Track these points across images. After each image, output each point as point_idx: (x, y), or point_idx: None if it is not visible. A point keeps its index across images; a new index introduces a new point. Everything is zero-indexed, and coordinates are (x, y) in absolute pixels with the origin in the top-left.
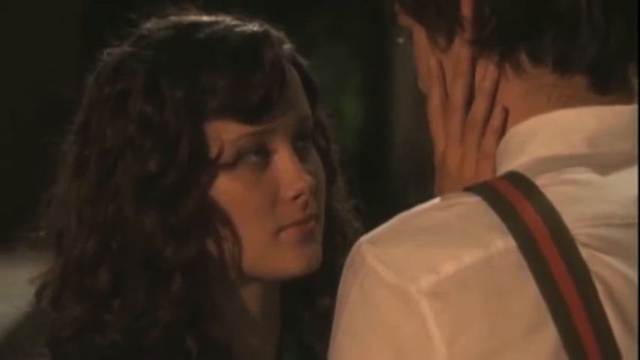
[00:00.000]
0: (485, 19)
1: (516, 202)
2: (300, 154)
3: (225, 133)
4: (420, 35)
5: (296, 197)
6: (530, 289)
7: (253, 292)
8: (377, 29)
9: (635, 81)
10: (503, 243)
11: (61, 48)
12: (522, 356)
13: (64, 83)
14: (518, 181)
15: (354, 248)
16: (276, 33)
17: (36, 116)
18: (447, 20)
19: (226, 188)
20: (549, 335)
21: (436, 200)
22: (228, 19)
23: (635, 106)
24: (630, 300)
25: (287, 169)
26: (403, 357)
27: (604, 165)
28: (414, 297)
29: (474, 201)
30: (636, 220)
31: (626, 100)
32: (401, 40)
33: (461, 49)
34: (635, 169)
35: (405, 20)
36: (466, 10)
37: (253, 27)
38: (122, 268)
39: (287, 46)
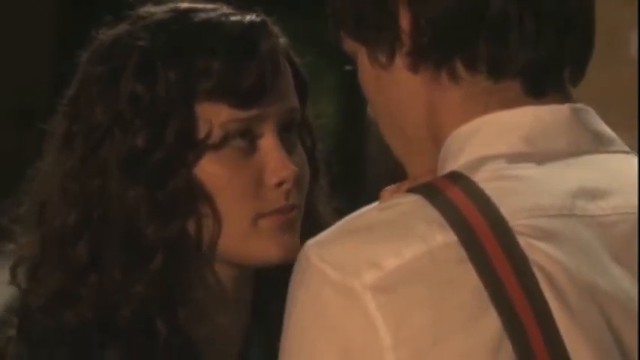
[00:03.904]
0: (422, 31)
1: (454, 197)
2: (286, 145)
3: (215, 116)
4: (363, 58)
5: (279, 184)
6: (471, 280)
7: (227, 277)
8: None
9: (570, 87)
10: (443, 237)
11: (34, 49)
12: (466, 344)
13: (38, 85)
14: (457, 178)
15: (301, 251)
16: (273, 26)
17: (9, 118)
18: (387, 35)
19: (212, 171)
20: (492, 323)
21: (378, 202)
22: (224, 8)
23: (571, 105)
24: (569, 286)
25: (273, 156)
26: (350, 352)
27: (542, 162)
28: (358, 292)
29: (413, 199)
30: (572, 212)
31: (561, 102)
32: (349, 68)
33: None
34: (571, 164)
35: (349, 45)
36: (404, 22)
37: (252, 16)
38: (102, 242)
39: (282, 40)
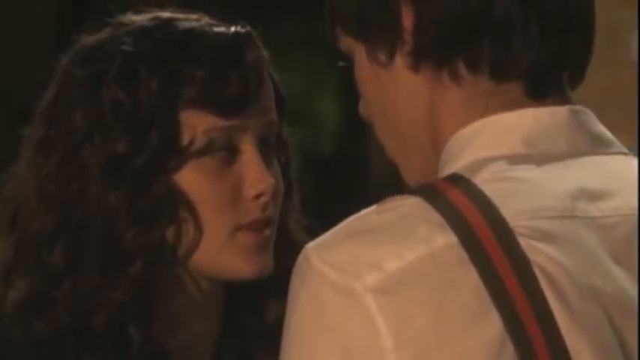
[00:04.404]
0: (424, 30)
1: (455, 199)
2: (265, 158)
3: (199, 123)
4: (361, 56)
5: (258, 196)
6: (473, 281)
7: (199, 287)
8: None
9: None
10: (444, 238)
11: (34, 50)
12: (468, 346)
13: (38, 86)
14: (457, 179)
15: (301, 254)
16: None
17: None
18: (388, 34)
19: (192, 178)
20: (493, 324)
21: (379, 204)
22: (207, 18)
23: (570, 107)
24: (570, 287)
25: (252, 168)
26: (351, 353)
27: (541, 163)
28: (359, 294)
29: (414, 201)
30: (572, 213)
31: (560, 104)
32: (342, 64)
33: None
34: (570, 166)
35: (346, 43)
36: (406, 21)
37: (237, 27)
38: (79, 247)
39: (265, 53)
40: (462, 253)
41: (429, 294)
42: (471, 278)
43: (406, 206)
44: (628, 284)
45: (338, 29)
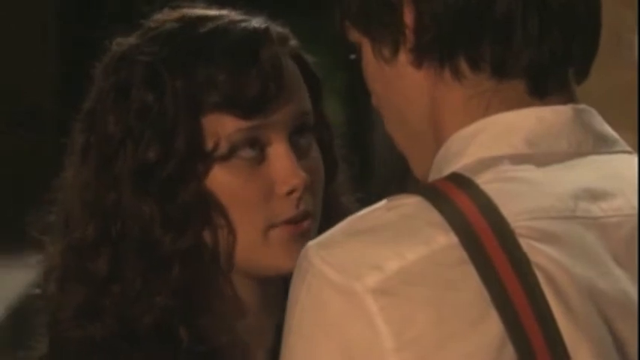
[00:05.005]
0: (426, 27)
1: (457, 199)
2: (298, 150)
3: (221, 127)
4: (367, 49)
5: (290, 193)
6: (473, 281)
7: (248, 287)
8: None
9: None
10: (445, 239)
11: (33, 50)
12: (469, 346)
13: (37, 87)
14: (459, 180)
15: (302, 253)
16: (280, 30)
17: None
18: (391, 30)
19: (221, 181)
20: (494, 325)
21: (380, 203)
22: (232, 14)
23: (573, 106)
24: (570, 287)
25: (282, 164)
26: (351, 354)
27: (544, 163)
28: (359, 294)
29: (415, 201)
30: (574, 214)
31: (563, 103)
32: (353, 57)
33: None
34: (573, 166)
35: (353, 35)
36: (408, 18)
37: (255, 23)
38: (121, 254)
39: (291, 42)
40: (462, 254)
41: (429, 294)
42: (471, 279)
43: (407, 206)
44: (629, 285)
45: (347, 21)
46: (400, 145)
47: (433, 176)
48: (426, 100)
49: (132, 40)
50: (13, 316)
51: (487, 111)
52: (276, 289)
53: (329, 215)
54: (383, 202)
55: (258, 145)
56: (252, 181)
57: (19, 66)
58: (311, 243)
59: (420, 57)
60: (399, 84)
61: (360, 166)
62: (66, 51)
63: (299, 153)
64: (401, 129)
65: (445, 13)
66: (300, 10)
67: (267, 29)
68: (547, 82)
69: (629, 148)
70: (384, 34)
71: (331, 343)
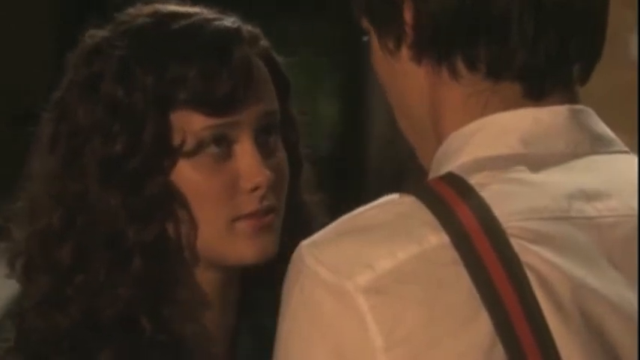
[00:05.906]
0: (424, 25)
1: (449, 199)
2: (264, 148)
3: (189, 124)
4: (374, 40)
5: (254, 190)
6: (464, 282)
7: (211, 277)
8: (350, 32)
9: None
10: (436, 239)
11: (32, 51)
12: (459, 346)
13: (35, 88)
14: (452, 180)
15: (295, 252)
16: (250, 29)
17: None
18: (393, 25)
19: (187, 176)
20: (484, 324)
21: (374, 202)
22: (206, 12)
23: (570, 106)
24: (562, 288)
25: (247, 162)
26: (343, 353)
27: (540, 164)
28: (351, 294)
29: (408, 201)
30: (567, 214)
31: (560, 103)
32: (365, 38)
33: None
34: (569, 166)
35: (364, 23)
36: (408, 15)
37: (227, 22)
38: (86, 245)
39: (262, 42)
40: (454, 254)
41: (420, 294)
42: (462, 279)
43: (400, 205)
44: (624, 287)
45: (358, 10)
46: (407, 135)
47: (433, 173)
48: (426, 96)
49: (104, 32)
50: None
51: (485, 110)
52: (236, 283)
53: (292, 212)
54: (377, 202)
55: (224, 142)
56: (217, 177)
57: (19, 66)
58: (304, 242)
59: (419, 54)
60: (403, 77)
61: (354, 165)
62: (66, 51)
63: (264, 152)
64: (406, 120)
65: (442, 12)
66: (298, 11)
67: (238, 29)
68: (544, 83)
69: (626, 148)
70: (387, 29)
71: (325, 344)
